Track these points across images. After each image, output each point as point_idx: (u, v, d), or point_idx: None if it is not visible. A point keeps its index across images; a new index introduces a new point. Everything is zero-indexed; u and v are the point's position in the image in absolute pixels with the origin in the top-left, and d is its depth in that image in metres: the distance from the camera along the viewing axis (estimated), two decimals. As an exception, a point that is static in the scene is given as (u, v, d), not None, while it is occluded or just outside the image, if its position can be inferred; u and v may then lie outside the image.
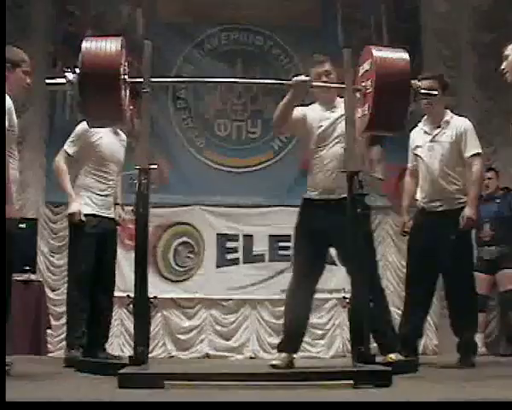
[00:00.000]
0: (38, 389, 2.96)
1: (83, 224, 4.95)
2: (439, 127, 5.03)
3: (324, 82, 4.37)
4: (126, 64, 3.66)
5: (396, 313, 7.27)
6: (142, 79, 3.61)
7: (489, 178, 6.41)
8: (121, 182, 5.43)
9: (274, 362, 4.25)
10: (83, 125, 4.98)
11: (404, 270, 7.25)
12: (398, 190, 7.41)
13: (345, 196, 3.78)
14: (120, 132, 5.28)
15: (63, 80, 3.46)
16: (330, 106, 4.49)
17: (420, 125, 5.17)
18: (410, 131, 5.27)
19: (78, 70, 3.44)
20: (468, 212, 4.80)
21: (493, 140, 6.42)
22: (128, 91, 3.69)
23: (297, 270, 4.57)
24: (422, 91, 3.67)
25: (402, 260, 7.38)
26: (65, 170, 5.03)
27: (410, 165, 5.31)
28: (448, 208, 4.91)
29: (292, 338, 4.46)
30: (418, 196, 5.14)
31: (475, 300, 5.09)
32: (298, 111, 4.44)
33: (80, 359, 4.52)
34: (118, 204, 5.29)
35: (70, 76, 3.43)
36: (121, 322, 7.07)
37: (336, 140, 4.37)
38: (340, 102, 4.36)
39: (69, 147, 5.06)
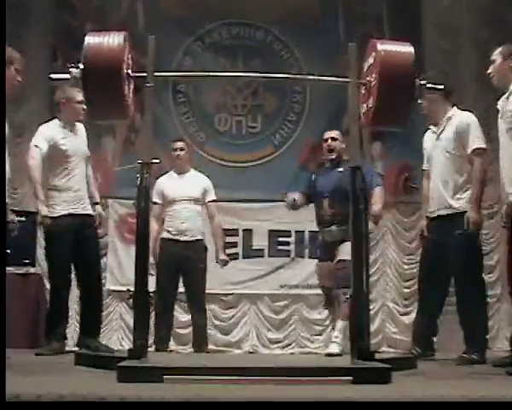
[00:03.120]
0: (37, 382, 2.95)
1: (53, 227, 5.13)
2: (442, 124, 5.02)
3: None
4: (130, 58, 3.65)
5: (395, 309, 7.34)
6: (145, 74, 3.60)
7: (333, 139, 5.46)
8: (94, 178, 5.66)
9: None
10: (48, 126, 5.28)
11: (405, 266, 7.37)
12: (397, 186, 7.45)
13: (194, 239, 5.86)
14: (77, 125, 5.40)
15: (67, 75, 3.46)
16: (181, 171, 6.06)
17: (430, 126, 5.17)
18: (424, 134, 5.30)
19: (81, 65, 3.42)
20: (472, 216, 4.77)
21: (493, 135, 6.39)
22: (132, 86, 3.69)
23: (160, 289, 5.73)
24: (428, 86, 3.65)
25: (402, 257, 7.41)
26: (41, 169, 5.15)
27: (424, 167, 5.32)
28: (452, 212, 4.87)
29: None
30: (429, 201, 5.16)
31: (483, 302, 5.01)
32: (157, 190, 5.86)
33: (79, 352, 4.53)
34: (97, 203, 5.51)
35: (74, 71, 3.42)
36: (120, 316, 7.10)
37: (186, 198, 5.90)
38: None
39: (42, 144, 5.16)
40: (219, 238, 6.07)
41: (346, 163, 4.95)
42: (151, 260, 5.34)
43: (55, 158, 5.21)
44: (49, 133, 5.22)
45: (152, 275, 5.36)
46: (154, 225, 5.60)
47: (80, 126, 5.43)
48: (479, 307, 4.88)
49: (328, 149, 5.45)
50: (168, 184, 5.88)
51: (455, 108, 5.05)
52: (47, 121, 5.39)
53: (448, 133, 4.95)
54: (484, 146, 4.86)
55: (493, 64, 4.47)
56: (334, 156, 5.43)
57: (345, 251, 4.89)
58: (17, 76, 4.17)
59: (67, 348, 5.39)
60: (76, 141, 5.34)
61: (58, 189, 5.20)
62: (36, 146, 5.14)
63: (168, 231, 5.86)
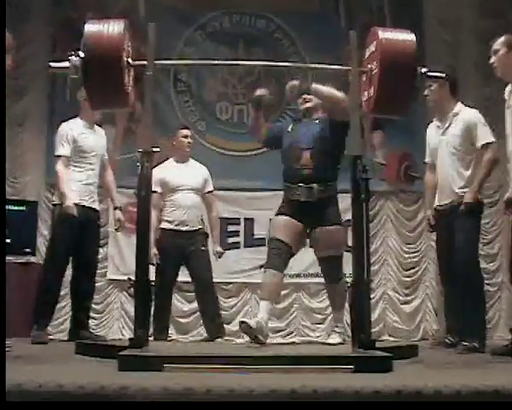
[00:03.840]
0: (38, 371, 2.96)
1: (60, 214, 5.29)
2: (448, 120, 5.01)
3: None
4: (130, 47, 3.63)
5: (396, 297, 7.35)
6: (145, 62, 3.59)
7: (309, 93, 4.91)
8: (115, 183, 5.80)
9: None
10: (66, 125, 5.45)
11: (405, 255, 7.39)
12: (398, 175, 7.45)
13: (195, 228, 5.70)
14: (97, 128, 5.66)
15: (67, 64, 3.45)
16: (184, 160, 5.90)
17: (434, 120, 5.17)
18: (427, 126, 5.30)
19: (81, 53, 3.41)
20: (468, 197, 4.79)
21: (494, 128, 6.38)
22: (132, 74, 3.68)
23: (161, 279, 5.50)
24: (429, 74, 3.63)
25: (402, 246, 7.41)
26: (66, 175, 5.32)
27: (427, 160, 5.32)
28: (457, 205, 4.88)
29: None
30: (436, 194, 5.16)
31: (480, 285, 5.01)
32: (157, 178, 5.27)
33: (80, 341, 4.53)
34: (117, 208, 5.66)
35: (73, 60, 3.41)
36: (121, 305, 7.11)
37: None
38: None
39: (63, 150, 5.37)
40: (216, 230, 5.98)
41: (324, 118, 4.81)
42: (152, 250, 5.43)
43: (74, 152, 5.38)
44: (67, 133, 5.39)
45: (153, 265, 5.46)
46: (152, 215, 5.55)
47: (98, 127, 5.66)
48: (477, 295, 4.90)
49: (305, 101, 4.91)
50: (170, 173, 5.71)
51: (460, 103, 5.04)
52: (68, 119, 5.53)
53: (455, 130, 4.95)
54: (493, 139, 4.87)
55: (496, 54, 4.41)
56: (310, 105, 4.88)
57: (333, 244, 4.65)
58: (7, 59, 4.12)
59: (64, 338, 5.46)
60: (94, 139, 5.53)
61: (72, 180, 5.34)
62: (59, 156, 5.35)
63: (169, 222, 5.73)
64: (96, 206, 5.53)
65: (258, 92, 4.92)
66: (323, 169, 4.63)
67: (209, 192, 5.96)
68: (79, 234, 5.33)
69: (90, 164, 5.46)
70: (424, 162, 5.41)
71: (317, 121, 4.85)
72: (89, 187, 5.41)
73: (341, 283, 4.65)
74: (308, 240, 4.81)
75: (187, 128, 6.09)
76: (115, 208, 5.67)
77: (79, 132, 5.42)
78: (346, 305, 4.45)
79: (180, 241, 5.66)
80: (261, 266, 5.13)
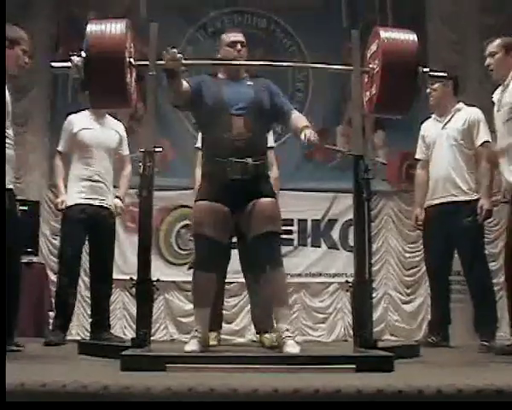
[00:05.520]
0: (40, 371, 2.96)
1: (66, 212, 5.18)
2: (449, 114, 5.05)
3: None
4: (132, 46, 3.64)
5: (397, 297, 7.35)
6: (147, 62, 3.60)
7: (242, 44, 4.18)
8: (129, 176, 5.49)
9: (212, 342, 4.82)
10: (68, 120, 5.34)
11: (407, 254, 7.36)
12: (400, 175, 7.45)
13: None
14: (109, 118, 5.42)
15: (69, 64, 3.45)
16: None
17: (432, 116, 5.20)
18: (422, 123, 5.33)
19: (83, 53, 3.42)
20: (485, 204, 4.83)
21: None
22: (134, 74, 3.68)
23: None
24: (431, 74, 3.65)
25: (404, 245, 7.41)
26: (60, 169, 5.29)
27: (420, 157, 5.32)
28: (457, 200, 4.94)
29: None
30: (429, 189, 5.17)
31: (489, 284, 5.14)
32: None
33: (83, 341, 4.55)
34: (118, 197, 5.42)
35: (75, 59, 3.42)
36: (123, 305, 7.10)
37: None
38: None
39: (60, 145, 5.32)
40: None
41: (252, 78, 4.18)
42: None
43: (76, 147, 5.26)
44: (69, 126, 5.29)
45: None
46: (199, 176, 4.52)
47: (111, 120, 5.44)
48: (491, 295, 4.98)
49: (239, 55, 4.13)
50: None
51: (461, 102, 5.10)
52: (78, 111, 5.43)
53: (457, 124, 5.01)
54: (490, 139, 4.93)
55: (493, 57, 4.33)
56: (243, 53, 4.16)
57: (269, 217, 3.84)
58: (24, 57, 4.08)
59: (70, 338, 5.43)
60: (101, 133, 5.33)
61: (77, 177, 5.23)
62: (58, 151, 5.34)
63: None
64: (106, 204, 5.27)
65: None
66: (258, 140, 3.95)
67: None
68: (90, 235, 5.22)
69: (97, 159, 5.23)
70: (415, 159, 5.44)
71: (248, 82, 4.13)
72: (97, 184, 5.20)
73: (282, 271, 3.96)
74: (236, 224, 4.02)
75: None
76: (116, 197, 5.40)
77: (81, 127, 5.23)
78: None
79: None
80: (190, 267, 4.75)
